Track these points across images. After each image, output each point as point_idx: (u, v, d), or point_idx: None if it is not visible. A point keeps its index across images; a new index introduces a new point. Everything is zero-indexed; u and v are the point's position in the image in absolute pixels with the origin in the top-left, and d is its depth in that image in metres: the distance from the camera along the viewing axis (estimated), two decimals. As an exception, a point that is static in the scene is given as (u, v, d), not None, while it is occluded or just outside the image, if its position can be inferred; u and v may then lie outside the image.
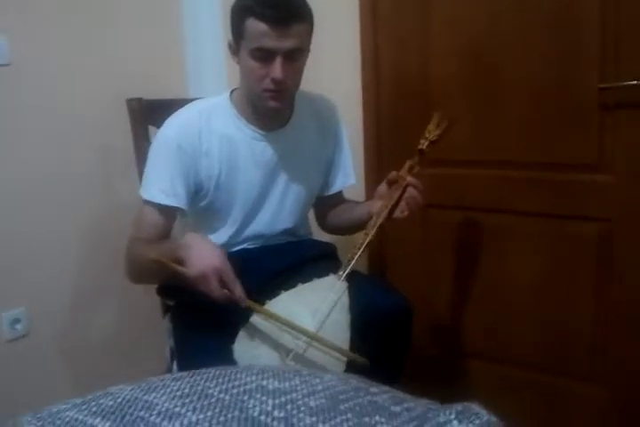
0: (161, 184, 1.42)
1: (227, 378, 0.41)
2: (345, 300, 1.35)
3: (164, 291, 1.61)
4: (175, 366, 1.48)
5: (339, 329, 1.32)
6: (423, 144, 1.46)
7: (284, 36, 1.30)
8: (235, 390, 0.40)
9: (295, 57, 1.35)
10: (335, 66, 1.93)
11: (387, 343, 1.43)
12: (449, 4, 1.80)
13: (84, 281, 2.00)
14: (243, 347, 1.31)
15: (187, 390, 0.40)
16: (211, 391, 0.39)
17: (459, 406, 0.44)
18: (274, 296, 1.34)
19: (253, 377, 0.42)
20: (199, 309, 1.39)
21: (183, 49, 2.25)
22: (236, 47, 1.39)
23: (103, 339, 2.07)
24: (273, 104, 1.39)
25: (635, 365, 1.72)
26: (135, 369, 2.08)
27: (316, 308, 1.32)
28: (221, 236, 1.53)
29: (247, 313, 1.31)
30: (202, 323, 1.40)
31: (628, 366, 1.73)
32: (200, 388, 0.40)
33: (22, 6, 1.78)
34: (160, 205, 1.42)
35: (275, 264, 1.49)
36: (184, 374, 0.43)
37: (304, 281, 1.38)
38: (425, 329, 1.81)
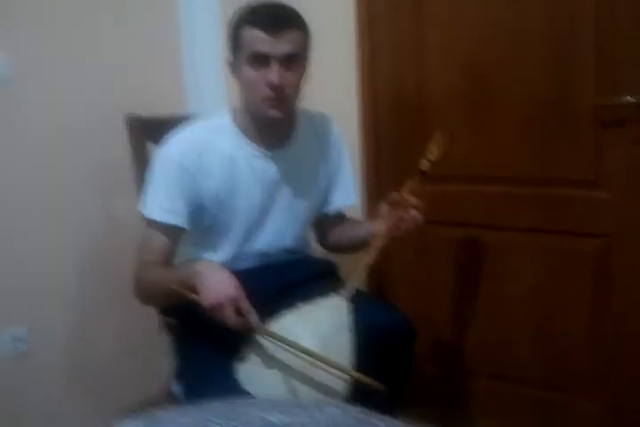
0: (162, 202, 1.43)
1: (233, 414, 0.42)
2: (348, 320, 1.35)
3: (165, 310, 1.61)
4: (177, 385, 1.48)
5: (342, 350, 1.31)
6: (424, 165, 1.47)
7: (279, 41, 1.33)
8: (241, 426, 0.40)
9: (292, 64, 1.37)
10: (332, 82, 1.94)
11: (390, 364, 1.43)
12: (445, 20, 1.82)
13: (84, 299, 2.00)
14: (246, 366, 1.31)
15: (193, 425, 0.40)
16: (216, 427, 0.40)
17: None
18: (276, 317, 1.34)
19: (259, 412, 0.42)
20: (202, 327, 1.39)
21: (182, 65, 2.26)
22: (234, 62, 1.41)
23: (104, 357, 2.06)
24: (273, 113, 1.40)
25: (636, 380, 1.72)
26: (136, 388, 2.09)
27: (318, 328, 1.32)
28: (222, 254, 1.53)
29: (251, 332, 1.31)
30: (205, 342, 1.40)
31: (629, 381, 1.73)
32: (205, 424, 0.41)
33: (24, 26, 1.79)
34: (160, 223, 1.42)
35: (276, 283, 1.49)
36: (192, 408, 0.44)
37: (307, 301, 1.37)
38: (424, 347, 1.80)
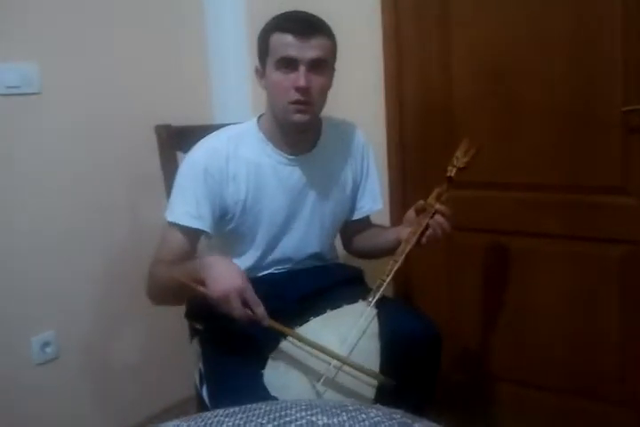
0: (186, 207, 1.44)
1: (277, 414, 0.43)
2: (374, 327, 1.35)
3: (192, 315, 1.63)
4: (204, 391, 1.49)
5: (368, 356, 1.31)
6: (451, 171, 1.47)
7: (307, 46, 1.36)
8: (287, 427, 0.41)
9: (319, 69, 1.39)
10: (358, 91, 1.96)
11: (416, 370, 1.42)
12: (471, 29, 1.83)
13: (112, 304, 2.03)
14: (273, 372, 1.31)
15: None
16: (263, 428, 0.41)
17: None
18: (302, 322, 1.34)
19: (303, 413, 0.43)
20: (228, 333, 1.41)
21: (210, 76, 2.30)
22: (262, 69, 1.44)
23: (132, 362, 2.09)
24: (298, 117, 1.41)
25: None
26: (163, 392, 2.10)
27: (345, 335, 1.32)
28: (247, 260, 1.54)
29: (277, 338, 1.31)
30: (232, 347, 1.41)
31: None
32: (254, 424, 0.42)
33: (52, 35, 1.83)
34: (184, 227, 1.43)
35: (302, 289, 1.50)
36: (236, 409, 0.45)
37: (333, 307, 1.38)
38: (450, 353, 1.79)
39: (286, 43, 1.36)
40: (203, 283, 1.25)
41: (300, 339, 1.29)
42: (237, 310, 1.22)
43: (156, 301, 1.48)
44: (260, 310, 1.24)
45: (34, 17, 1.78)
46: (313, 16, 1.42)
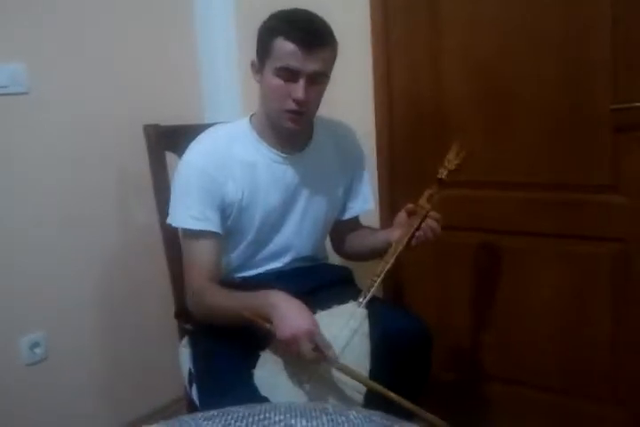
0: (190, 210, 1.43)
1: (256, 418, 0.43)
2: (365, 327, 1.36)
3: (181, 315, 1.63)
4: (194, 391, 1.48)
5: (358, 356, 1.32)
6: (442, 173, 1.48)
7: (311, 59, 1.34)
8: (265, 430, 0.41)
9: (318, 81, 1.38)
10: (347, 92, 1.94)
11: (406, 370, 1.43)
12: (460, 29, 1.83)
13: (102, 305, 2.02)
14: (263, 372, 1.32)
15: (218, 430, 0.41)
16: (241, 432, 0.41)
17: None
18: None
19: (282, 416, 0.43)
20: (218, 333, 1.41)
21: (199, 75, 2.28)
22: (259, 66, 1.42)
23: (122, 363, 2.08)
24: (291, 125, 1.42)
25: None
26: (153, 393, 2.10)
27: (335, 335, 1.32)
28: (237, 257, 1.55)
29: (267, 338, 1.31)
30: (221, 347, 1.41)
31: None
32: (231, 427, 0.42)
33: (40, 35, 1.82)
34: (196, 231, 1.43)
35: (292, 290, 1.48)
36: (214, 412, 0.45)
37: (323, 308, 1.38)
38: (441, 353, 1.80)
39: (290, 52, 1.34)
40: (267, 319, 1.27)
41: (362, 381, 1.28)
42: (307, 352, 1.24)
43: (202, 319, 1.49)
44: (331, 352, 1.26)
45: (21, 17, 1.77)
46: (319, 21, 1.38)
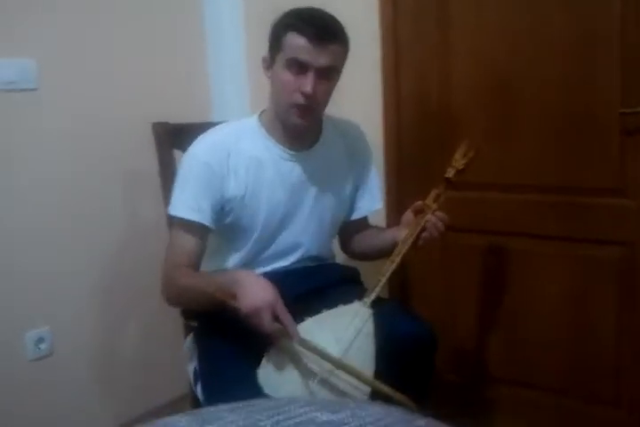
0: (186, 200, 1.44)
1: (278, 410, 0.43)
2: (370, 327, 1.35)
3: (187, 312, 1.62)
4: (199, 389, 1.48)
5: (363, 356, 1.32)
6: (450, 173, 1.47)
7: (321, 53, 1.35)
8: (286, 423, 0.41)
9: (327, 76, 1.39)
10: (356, 91, 1.95)
11: (411, 372, 1.42)
12: (469, 30, 1.83)
13: (108, 301, 2.02)
14: (267, 370, 1.31)
15: (240, 423, 0.41)
16: (263, 424, 0.41)
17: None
18: (298, 322, 1.33)
19: (304, 409, 0.43)
20: (223, 331, 1.41)
21: (208, 74, 2.29)
22: (270, 61, 1.43)
23: (127, 359, 2.08)
24: (298, 121, 1.42)
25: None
26: (159, 390, 2.10)
27: (340, 334, 1.32)
28: (244, 254, 1.54)
29: (271, 338, 1.31)
30: (226, 345, 1.41)
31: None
32: (253, 420, 0.42)
33: (51, 32, 1.82)
34: (186, 221, 1.43)
35: (298, 289, 1.49)
36: (237, 404, 0.45)
37: (329, 307, 1.38)
38: (446, 354, 1.80)
39: (300, 46, 1.35)
40: (232, 297, 1.27)
41: (329, 359, 1.28)
42: (268, 324, 1.24)
43: (173, 304, 1.50)
44: (292, 325, 1.26)
45: (32, 13, 1.77)
46: (331, 19, 1.40)
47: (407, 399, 1.26)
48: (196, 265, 1.45)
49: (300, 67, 1.36)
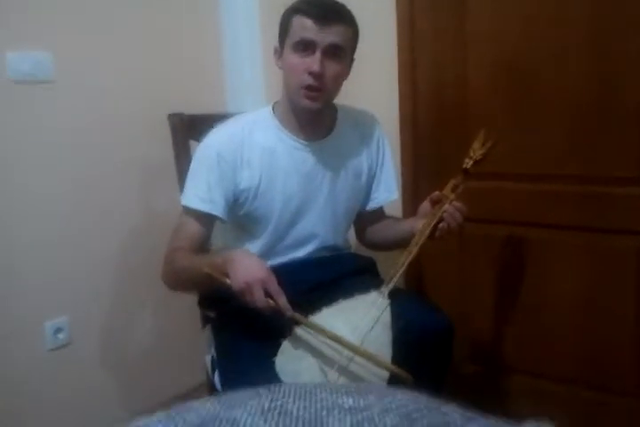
0: (198, 191, 1.45)
1: (304, 395, 0.43)
2: (386, 317, 1.35)
3: (204, 303, 1.63)
4: (216, 377, 1.49)
5: (380, 346, 1.31)
6: (467, 163, 1.46)
7: (325, 31, 1.36)
8: (313, 408, 0.41)
9: (335, 56, 1.39)
10: (372, 82, 1.94)
11: (427, 362, 1.42)
12: (486, 19, 1.81)
13: (125, 291, 2.04)
14: (285, 359, 1.31)
15: (266, 406, 0.41)
16: (290, 408, 0.41)
17: (532, 424, 0.44)
18: (314, 311, 1.34)
19: (329, 394, 0.43)
20: (240, 320, 1.42)
21: (223, 65, 2.29)
22: (280, 49, 1.44)
23: (145, 348, 2.10)
24: (308, 103, 1.41)
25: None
26: (176, 379, 2.12)
27: (356, 324, 1.32)
28: (260, 244, 1.55)
29: (289, 325, 1.32)
30: (243, 335, 1.42)
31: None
32: (279, 403, 0.42)
33: (67, 24, 1.83)
34: (197, 211, 1.44)
35: (314, 278, 1.50)
36: (262, 389, 0.45)
37: (345, 297, 1.37)
38: (462, 344, 1.80)
39: (306, 26, 1.36)
40: (226, 275, 1.27)
41: (320, 331, 1.29)
42: (259, 300, 1.24)
43: (172, 286, 1.50)
44: (283, 300, 1.26)
45: (48, 5, 1.78)
46: (337, 3, 1.42)
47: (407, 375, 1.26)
48: (197, 250, 1.45)
49: (306, 47, 1.37)
